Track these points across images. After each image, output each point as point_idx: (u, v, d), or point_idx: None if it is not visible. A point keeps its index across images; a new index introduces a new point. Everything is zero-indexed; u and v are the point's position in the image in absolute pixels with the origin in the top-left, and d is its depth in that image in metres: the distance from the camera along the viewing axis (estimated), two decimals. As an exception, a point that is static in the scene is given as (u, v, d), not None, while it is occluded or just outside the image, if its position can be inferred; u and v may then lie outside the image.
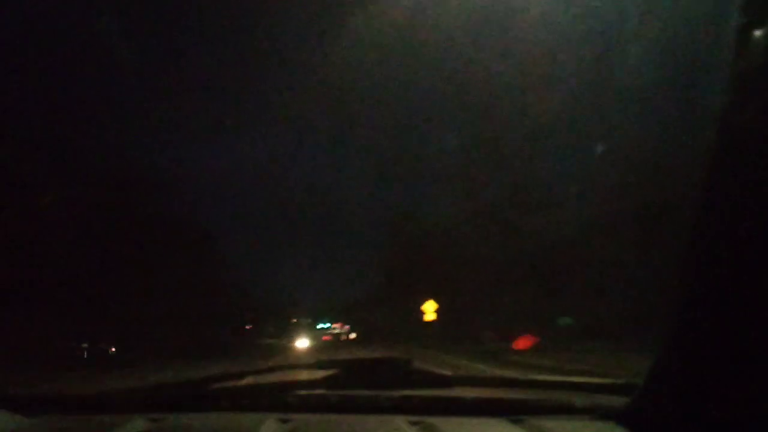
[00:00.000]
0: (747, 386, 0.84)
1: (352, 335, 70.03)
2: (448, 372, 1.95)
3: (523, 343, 20.20)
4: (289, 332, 54.79)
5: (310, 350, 37.03)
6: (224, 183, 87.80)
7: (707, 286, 0.90)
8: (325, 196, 64.69)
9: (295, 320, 72.25)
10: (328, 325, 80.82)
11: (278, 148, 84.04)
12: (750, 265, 0.83)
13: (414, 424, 1.28)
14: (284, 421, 1.33)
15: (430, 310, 33.28)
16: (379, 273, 56.36)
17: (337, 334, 72.59)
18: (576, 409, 1.31)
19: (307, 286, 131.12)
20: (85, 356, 26.18)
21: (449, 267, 34.50)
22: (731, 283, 0.86)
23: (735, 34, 0.86)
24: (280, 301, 72.70)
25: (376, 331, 54.81)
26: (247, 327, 57.46)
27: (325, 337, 65.68)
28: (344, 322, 79.62)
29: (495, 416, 1.31)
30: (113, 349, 25.97)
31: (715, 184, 0.90)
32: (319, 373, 1.57)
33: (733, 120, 0.86)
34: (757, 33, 0.82)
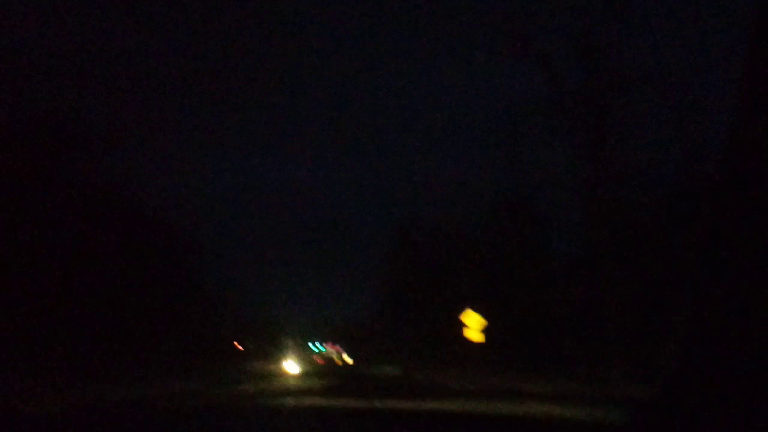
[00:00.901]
0: (749, 403, 0.87)
1: (349, 360, 62.80)
2: (450, 384, 1.68)
3: None
4: (276, 354, 47.06)
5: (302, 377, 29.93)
6: (207, 185, 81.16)
7: (714, 303, 0.94)
8: (317, 205, 58.04)
9: (284, 340, 64.70)
10: (321, 347, 74.26)
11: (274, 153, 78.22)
12: (758, 279, 0.86)
13: None
14: (282, 427, 1.82)
15: (474, 325, 20.82)
16: (384, 284, 47.94)
17: (332, 357, 65.96)
18: (580, 423, 1.91)
19: (298, 302, 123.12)
20: None
21: (493, 266, 25.87)
22: (741, 301, 0.89)
23: (747, 40, 1.00)
24: (266, 318, 64.06)
25: (380, 354, 46.92)
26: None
27: (320, 361, 60.48)
28: (338, 343, 72.95)
29: (496, 430, 1.84)
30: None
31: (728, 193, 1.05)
32: (318, 382, 2.08)
33: (746, 127, 0.99)
34: None
